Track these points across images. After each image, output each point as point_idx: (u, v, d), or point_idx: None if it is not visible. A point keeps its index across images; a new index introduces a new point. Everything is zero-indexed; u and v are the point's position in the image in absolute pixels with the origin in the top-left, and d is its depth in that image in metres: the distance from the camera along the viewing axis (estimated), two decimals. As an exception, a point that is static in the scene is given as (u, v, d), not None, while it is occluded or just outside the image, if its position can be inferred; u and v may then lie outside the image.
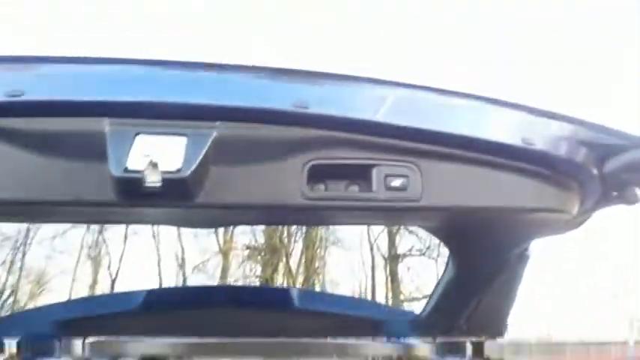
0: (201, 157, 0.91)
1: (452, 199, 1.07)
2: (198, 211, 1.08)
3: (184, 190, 0.91)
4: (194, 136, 0.93)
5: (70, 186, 0.92)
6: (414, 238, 11.72)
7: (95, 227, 11.26)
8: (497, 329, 1.50)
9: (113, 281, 12.66)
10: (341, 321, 1.75)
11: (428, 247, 11.88)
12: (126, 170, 0.88)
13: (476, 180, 1.06)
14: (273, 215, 1.21)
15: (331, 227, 13.17)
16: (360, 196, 1.01)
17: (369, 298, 13.73)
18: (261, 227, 12.09)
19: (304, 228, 12.51)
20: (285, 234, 13.17)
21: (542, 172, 1.08)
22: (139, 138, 0.90)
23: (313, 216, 1.18)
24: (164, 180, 0.87)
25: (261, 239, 13.67)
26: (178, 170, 0.88)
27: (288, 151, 0.99)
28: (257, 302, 1.78)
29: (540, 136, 1.07)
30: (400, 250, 12.96)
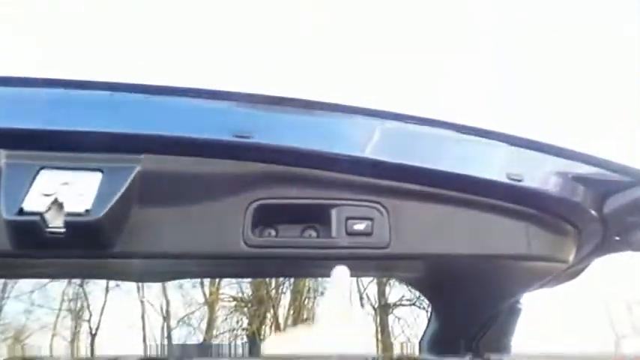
0: (118, 195, 0.76)
1: (425, 245, 0.92)
2: (116, 263, 0.89)
3: (95, 237, 0.74)
4: (111, 172, 0.77)
5: None
6: (404, 288, 11.56)
7: (76, 280, 11.13)
8: None
9: (93, 336, 12.31)
10: None
11: (418, 297, 11.70)
12: (21, 212, 0.71)
13: (453, 223, 0.92)
14: (211, 266, 1.03)
15: (320, 278, 13.37)
16: (317, 243, 0.86)
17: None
18: (247, 279, 11.98)
19: (292, 279, 12.35)
20: (273, 285, 12.95)
21: (532, 213, 0.95)
22: (41, 173, 0.73)
23: (261, 267, 1.01)
24: (70, 224, 0.70)
25: (248, 290, 13.42)
26: (87, 212, 0.71)
27: (228, 189, 0.84)
28: None
29: (529, 171, 0.95)
30: (390, 300, 12.70)
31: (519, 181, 0.92)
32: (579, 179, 0.97)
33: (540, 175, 0.98)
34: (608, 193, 0.98)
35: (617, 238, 1.05)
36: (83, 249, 0.80)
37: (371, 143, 0.92)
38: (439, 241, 0.93)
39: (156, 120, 0.85)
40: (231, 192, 0.83)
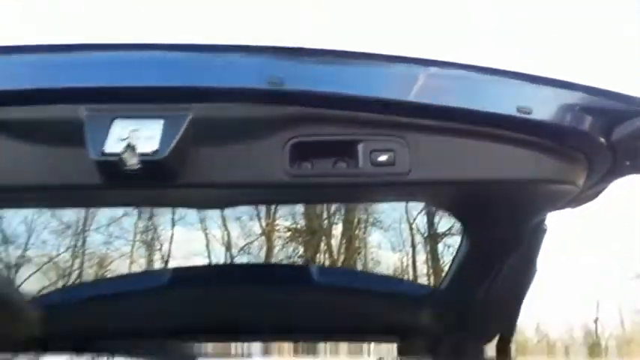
0: (177, 138, 0.96)
1: (441, 172, 1.09)
2: (179, 192, 1.12)
3: (162, 172, 0.96)
4: (170, 119, 0.98)
5: (52, 171, 0.99)
6: (451, 219, 11.69)
7: (146, 214, 12.20)
8: (510, 314, 1.51)
9: (166, 263, 13.45)
10: (357, 294, 1.85)
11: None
12: (104, 154, 0.95)
13: (467, 152, 1.08)
14: (257, 194, 1.25)
15: (370, 208, 13.72)
16: (346, 173, 1.04)
17: (410, 277, 14.06)
18: (301, 210, 12.54)
19: (343, 210, 12.75)
20: (325, 215, 13.39)
21: (541, 143, 1.07)
22: (115, 122, 0.95)
23: (298, 194, 1.21)
24: (142, 162, 0.93)
25: (302, 222, 14.00)
26: (155, 152, 0.92)
27: (267, 129, 1.02)
28: (277, 279, 1.89)
29: (537, 104, 1.07)
30: (439, 230, 12.89)
31: (528, 113, 1.04)
32: (586, 110, 1.07)
33: (548, 107, 1.08)
34: (615, 122, 1.07)
35: (627, 162, 1.15)
36: (152, 181, 1.03)
37: (391, 85, 1.06)
38: (454, 168, 1.08)
39: (202, 74, 1.02)
40: (270, 132, 1.02)
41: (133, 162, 0.94)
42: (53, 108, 0.99)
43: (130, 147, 0.93)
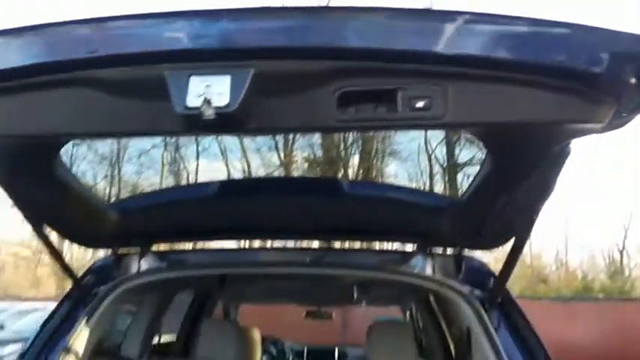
0: (243, 92, 1.08)
1: (474, 115, 1.16)
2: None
3: (233, 121, 1.11)
4: (236, 75, 1.10)
5: (142, 120, 1.21)
6: (474, 149, 11.70)
7: (171, 147, 13.19)
8: (525, 225, 1.61)
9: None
10: (384, 203, 1.99)
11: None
12: (187, 108, 1.08)
13: (499, 95, 1.13)
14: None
15: (388, 139, 14.12)
16: (387, 117, 1.13)
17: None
18: (319, 141, 12.93)
19: (360, 140, 12.97)
20: (342, 146, 13.59)
21: (570, 86, 1.10)
22: (192, 79, 1.10)
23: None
24: (217, 114, 1.07)
25: (319, 152, 14.29)
26: (227, 105, 1.06)
27: (318, 82, 1.14)
28: (310, 188, 2.07)
29: (560, 49, 1.08)
30: (460, 160, 12.94)
31: (557, 59, 1.06)
32: (613, 54, 1.07)
33: (571, 52, 1.10)
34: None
35: None
36: (224, 129, 1.23)
37: (426, 38, 1.10)
38: (487, 112, 1.15)
39: (262, 34, 1.12)
40: (321, 83, 1.12)
41: (209, 114, 1.08)
42: (141, 68, 1.14)
43: (207, 101, 1.07)
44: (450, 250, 2.14)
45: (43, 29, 1.15)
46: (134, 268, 2.13)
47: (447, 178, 13.18)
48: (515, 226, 1.70)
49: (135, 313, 2.66)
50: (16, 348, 8.44)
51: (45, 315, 7.28)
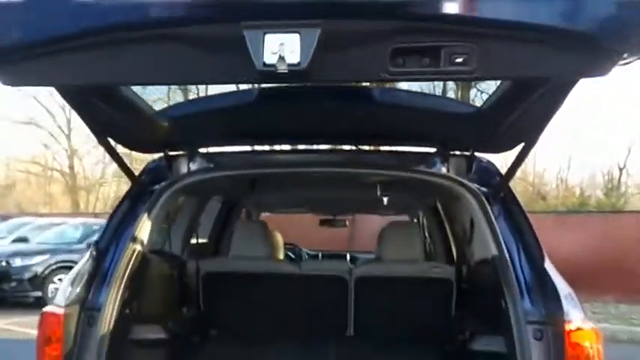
0: (312, 51, 1.29)
1: (500, 71, 1.49)
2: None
3: (303, 75, 1.33)
4: (305, 33, 1.29)
5: (225, 73, 1.45)
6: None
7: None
8: (535, 133, 1.87)
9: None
10: (408, 110, 2.21)
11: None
12: (265, 65, 1.29)
13: (519, 54, 1.36)
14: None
15: None
16: (431, 70, 1.38)
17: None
18: None
19: None
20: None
21: (580, 45, 1.33)
22: (266, 37, 1.29)
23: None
24: (289, 70, 1.29)
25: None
26: (298, 63, 1.28)
27: (374, 39, 1.37)
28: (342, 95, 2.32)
29: (575, 17, 1.30)
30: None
31: (569, 25, 1.29)
32: (618, 19, 1.29)
33: (584, 19, 1.31)
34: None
35: None
36: (295, 80, 1.42)
37: (465, 5, 1.31)
38: (509, 68, 1.42)
39: None
40: (377, 41, 1.32)
41: (283, 69, 1.29)
42: (223, 26, 1.33)
43: (281, 58, 1.28)
44: (463, 152, 2.37)
45: None
46: (183, 169, 2.37)
47: (459, 94, 13.13)
48: (526, 133, 1.94)
49: (178, 213, 2.98)
50: (42, 259, 8.97)
51: (67, 229, 7.82)
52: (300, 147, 2.66)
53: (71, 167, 24.95)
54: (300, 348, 2.86)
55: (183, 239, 3.00)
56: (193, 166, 2.41)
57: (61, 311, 1.84)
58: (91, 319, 1.87)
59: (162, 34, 1.35)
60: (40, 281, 8.79)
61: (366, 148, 2.56)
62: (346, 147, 2.61)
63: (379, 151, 2.57)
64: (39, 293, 8.70)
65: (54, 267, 9.00)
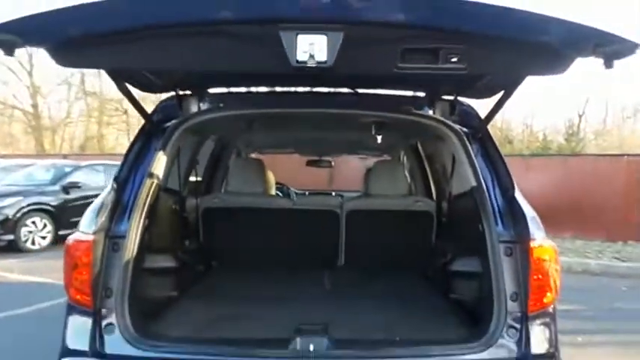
0: (337, 51, 1.59)
1: (487, 68, 1.90)
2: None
3: (329, 71, 1.65)
4: (331, 35, 1.58)
5: (263, 66, 1.77)
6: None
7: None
8: (514, 83, 2.16)
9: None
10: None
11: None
12: (297, 62, 1.60)
13: (504, 56, 1.81)
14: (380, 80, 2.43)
15: None
16: (432, 67, 1.76)
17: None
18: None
19: None
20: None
21: (549, 51, 1.70)
22: (299, 37, 1.57)
23: (404, 76, 2.03)
24: (317, 66, 1.60)
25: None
26: (325, 61, 1.61)
27: (389, 42, 1.73)
28: None
29: (545, 31, 1.61)
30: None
31: (540, 37, 1.61)
32: (578, 37, 1.61)
33: (552, 34, 1.61)
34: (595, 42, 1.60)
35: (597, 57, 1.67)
36: (322, 75, 1.77)
37: (461, 18, 1.63)
38: (499, 67, 1.87)
39: (348, 8, 1.57)
40: (391, 43, 1.72)
41: (312, 65, 1.59)
42: (262, 27, 1.63)
43: (311, 56, 1.57)
44: (447, 97, 2.57)
45: None
46: (194, 108, 2.48)
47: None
48: (507, 82, 2.14)
49: (179, 151, 3.08)
50: (13, 201, 8.60)
51: (36, 170, 7.74)
52: (299, 89, 2.77)
53: (34, 106, 23.82)
54: (296, 276, 3.09)
55: (183, 176, 3.12)
56: (203, 106, 2.51)
57: (90, 238, 1.97)
58: (115, 245, 2.02)
59: (214, 30, 1.64)
60: (11, 224, 8.50)
61: (361, 91, 2.69)
62: (343, 89, 2.73)
63: (373, 94, 2.72)
64: (11, 237, 8.44)
65: (25, 210, 8.71)
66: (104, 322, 1.91)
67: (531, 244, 1.95)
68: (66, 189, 9.33)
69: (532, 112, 23.28)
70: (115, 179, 2.19)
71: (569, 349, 3.97)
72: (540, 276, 1.93)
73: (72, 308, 1.98)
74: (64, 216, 8.97)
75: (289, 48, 1.56)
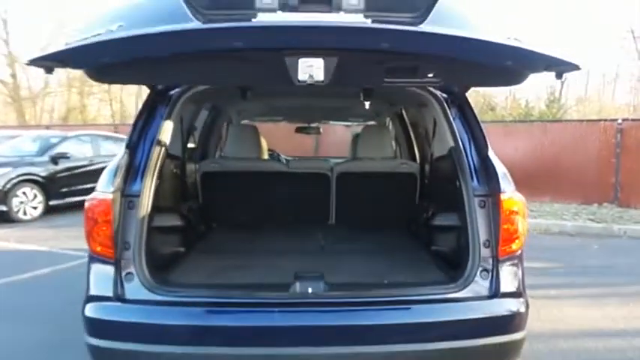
0: (331, 73, 1.89)
1: (458, 81, 2.36)
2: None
3: (325, 88, 1.97)
4: (326, 60, 1.89)
5: (272, 83, 2.35)
6: None
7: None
8: None
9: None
10: None
11: None
12: (299, 81, 1.88)
13: (472, 73, 2.15)
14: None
15: None
16: (412, 81, 2.17)
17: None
18: None
19: None
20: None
21: (505, 71, 2.04)
22: (300, 61, 1.87)
23: (389, 88, 2.43)
24: (315, 84, 1.90)
25: None
26: (322, 80, 1.90)
27: (376, 62, 2.03)
28: None
29: (506, 57, 1.92)
30: None
31: (504, 62, 1.94)
32: (530, 61, 1.93)
33: (510, 59, 1.90)
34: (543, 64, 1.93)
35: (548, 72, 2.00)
36: (320, 91, 2.04)
37: (437, 46, 1.89)
38: (464, 79, 2.40)
39: (341, 38, 1.81)
40: (376, 64, 2.05)
41: (311, 83, 1.89)
42: (271, 53, 1.90)
43: (310, 76, 1.85)
44: None
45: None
46: None
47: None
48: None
49: (182, 119, 3.25)
50: (2, 172, 8.58)
51: (22, 142, 7.82)
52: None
53: (13, 76, 23.27)
54: (291, 234, 3.33)
55: (182, 142, 3.30)
56: None
57: (109, 197, 2.16)
58: (130, 203, 2.22)
59: (231, 55, 1.94)
60: (2, 195, 8.54)
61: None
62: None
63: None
64: (3, 207, 8.50)
65: (15, 181, 8.74)
66: (124, 272, 2.12)
67: (502, 197, 2.19)
68: (54, 159, 9.35)
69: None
70: (127, 145, 2.36)
71: (542, 301, 4.33)
72: (509, 225, 2.19)
73: (94, 260, 2.18)
74: (54, 186, 9.10)
75: (292, 70, 1.85)
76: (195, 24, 1.68)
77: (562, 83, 18.90)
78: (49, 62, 1.81)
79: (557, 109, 16.18)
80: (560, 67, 1.87)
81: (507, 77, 2.10)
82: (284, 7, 1.73)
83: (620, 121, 9.84)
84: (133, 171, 2.29)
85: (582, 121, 11.19)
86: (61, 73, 24.25)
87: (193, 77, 2.14)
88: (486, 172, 2.32)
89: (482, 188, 2.29)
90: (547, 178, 9.89)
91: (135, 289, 2.10)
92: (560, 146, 10.09)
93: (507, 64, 1.93)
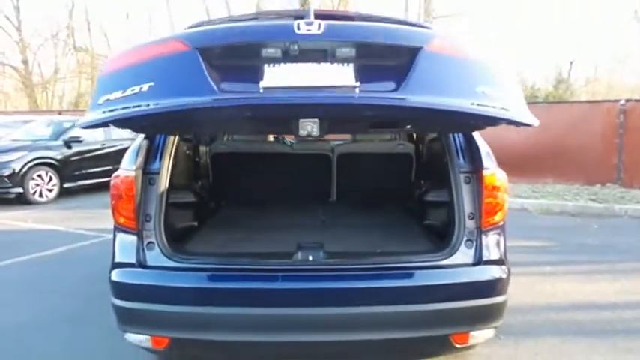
0: (325, 128, 2.22)
1: (432, 130, 2.96)
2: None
3: (319, 139, 2.71)
4: (322, 121, 2.19)
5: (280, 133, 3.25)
6: None
7: None
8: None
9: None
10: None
11: None
12: (300, 135, 2.26)
13: (444, 126, 2.48)
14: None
15: None
16: (394, 130, 3.16)
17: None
18: None
19: None
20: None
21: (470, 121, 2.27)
22: (300, 121, 2.20)
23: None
24: (312, 137, 2.27)
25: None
26: (318, 135, 2.21)
27: (362, 122, 2.45)
28: None
29: (471, 118, 2.15)
30: None
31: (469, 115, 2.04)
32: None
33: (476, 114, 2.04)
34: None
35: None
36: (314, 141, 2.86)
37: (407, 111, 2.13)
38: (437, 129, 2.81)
39: (328, 110, 2.10)
40: (362, 123, 2.48)
41: (309, 137, 2.25)
42: (279, 118, 2.29)
43: (309, 133, 2.18)
44: None
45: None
46: None
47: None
48: None
49: None
50: (19, 156, 8.85)
51: (36, 126, 8.14)
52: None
53: (25, 62, 23.59)
54: (295, 210, 3.56)
55: None
56: None
57: (132, 174, 2.38)
58: (151, 180, 2.45)
59: (247, 118, 2.23)
60: (19, 178, 8.82)
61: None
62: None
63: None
64: (20, 190, 8.79)
65: (31, 164, 9.01)
66: (146, 241, 2.36)
67: (484, 173, 2.40)
68: (68, 143, 9.62)
69: (523, 62, 23.72)
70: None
71: (537, 277, 4.52)
72: (491, 199, 2.40)
73: (119, 231, 2.41)
74: (68, 169, 9.41)
75: (294, 127, 2.15)
76: (212, 97, 1.90)
77: (570, 63, 18.91)
78: (94, 127, 2.04)
79: (564, 90, 16.16)
80: (516, 123, 2.12)
81: (472, 128, 2.42)
82: (285, 58, 1.95)
83: (623, 101, 9.84)
84: (152, 151, 2.51)
85: (585, 102, 11.15)
86: (71, 59, 24.52)
87: (214, 130, 2.74)
88: (471, 151, 2.52)
89: (467, 166, 2.50)
90: (550, 159, 9.97)
91: (155, 256, 2.33)
92: (563, 127, 10.08)
93: (474, 123, 2.28)
